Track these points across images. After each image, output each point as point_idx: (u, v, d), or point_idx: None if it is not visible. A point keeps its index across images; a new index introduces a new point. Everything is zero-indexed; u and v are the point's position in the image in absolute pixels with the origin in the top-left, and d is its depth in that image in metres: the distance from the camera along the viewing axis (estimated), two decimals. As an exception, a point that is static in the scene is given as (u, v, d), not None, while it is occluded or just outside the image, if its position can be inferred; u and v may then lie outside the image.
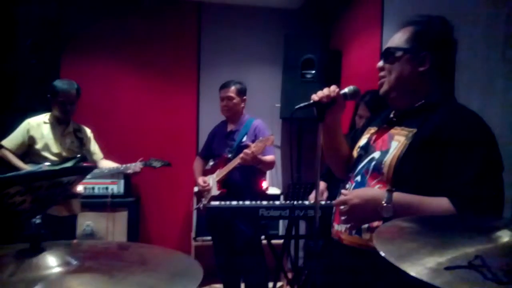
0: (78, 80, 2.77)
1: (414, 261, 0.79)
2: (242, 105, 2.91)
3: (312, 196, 2.69)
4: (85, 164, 2.61)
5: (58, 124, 2.72)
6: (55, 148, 2.67)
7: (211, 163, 3.00)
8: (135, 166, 2.72)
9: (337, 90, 1.37)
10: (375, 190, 1.24)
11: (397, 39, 1.31)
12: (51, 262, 0.74)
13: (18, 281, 0.68)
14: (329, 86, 1.39)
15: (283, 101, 3.79)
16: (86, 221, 3.25)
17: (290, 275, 3.00)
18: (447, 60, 1.31)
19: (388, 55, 1.31)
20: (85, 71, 3.70)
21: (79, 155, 2.65)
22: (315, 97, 1.37)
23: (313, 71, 3.61)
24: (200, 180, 2.88)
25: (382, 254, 0.83)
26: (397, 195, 1.16)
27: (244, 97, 2.91)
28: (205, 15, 4.04)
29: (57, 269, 0.73)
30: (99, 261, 0.79)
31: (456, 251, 0.81)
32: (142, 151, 3.74)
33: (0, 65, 2.90)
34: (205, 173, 2.97)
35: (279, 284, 3.60)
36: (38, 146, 2.65)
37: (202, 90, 4.01)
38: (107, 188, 3.35)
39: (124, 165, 2.77)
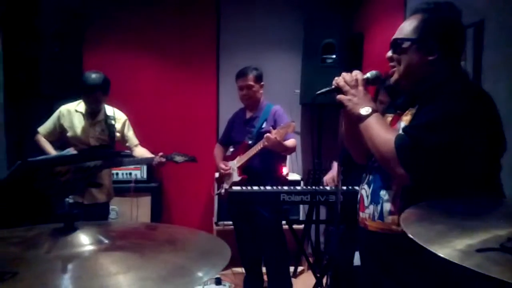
0: (99, 69, 2.78)
1: (443, 243, 0.78)
2: (261, 91, 2.89)
3: (326, 178, 2.68)
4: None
5: (88, 113, 2.72)
6: (83, 137, 2.69)
7: (231, 149, 3.02)
8: (160, 158, 2.71)
9: (360, 75, 1.35)
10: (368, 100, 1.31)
11: (404, 28, 1.30)
12: (84, 241, 0.76)
13: (54, 258, 0.71)
14: (350, 71, 1.37)
15: (303, 87, 3.75)
16: (111, 206, 3.33)
17: (311, 260, 3.02)
18: (456, 46, 1.30)
19: (396, 46, 1.31)
20: (106, 59, 3.74)
21: (103, 145, 2.65)
22: (336, 82, 1.35)
23: (334, 56, 3.55)
24: (222, 164, 2.91)
25: (411, 236, 0.82)
26: (374, 118, 1.25)
27: (262, 83, 2.89)
28: (224, 1, 4.01)
29: (90, 247, 0.76)
30: (130, 241, 0.81)
31: (487, 234, 0.79)
32: (163, 139, 3.81)
33: (24, 54, 2.96)
34: (226, 159, 2.99)
35: (300, 268, 3.63)
36: (69, 134, 2.69)
37: (222, 76, 4.01)
38: (130, 174, 3.41)
39: (151, 156, 2.76)
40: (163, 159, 2.72)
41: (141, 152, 2.86)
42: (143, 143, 2.96)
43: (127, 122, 2.89)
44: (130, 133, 2.88)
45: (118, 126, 2.81)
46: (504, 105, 1.22)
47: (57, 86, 3.09)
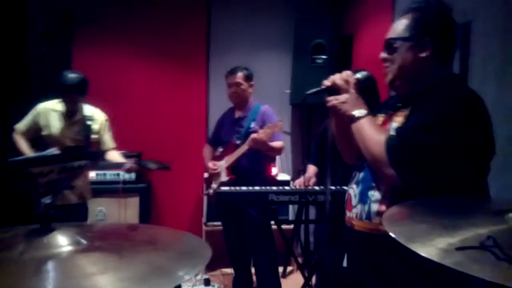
0: (89, 68, 2.74)
1: (424, 241, 0.78)
2: (250, 90, 2.89)
3: (297, 182, 2.68)
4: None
5: (66, 112, 2.62)
6: (59, 137, 2.59)
7: (220, 149, 3.01)
8: (130, 164, 2.65)
9: (351, 77, 1.35)
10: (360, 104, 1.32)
11: (397, 28, 1.32)
12: (61, 242, 0.75)
13: (28, 260, 0.70)
14: (340, 71, 1.37)
15: (293, 87, 3.76)
16: (99, 207, 3.30)
17: (300, 260, 3.02)
18: (448, 42, 1.31)
19: (389, 46, 1.32)
20: (95, 58, 3.71)
21: (78, 145, 2.54)
22: (326, 82, 1.35)
23: (324, 56, 3.57)
24: (210, 164, 2.89)
25: (392, 235, 0.82)
26: (367, 120, 1.27)
27: (251, 83, 2.89)
28: (214, 0, 4.00)
29: (67, 248, 0.74)
30: (109, 241, 0.80)
31: (468, 232, 0.80)
32: (153, 138, 3.79)
33: (11, 53, 2.91)
34: (214, 159, 2.97)
35: (289, 268, 3.63)
36: (43, 133, 2.60)
37: (212, 77, 3.99)
38: (118, 174, 3.38)
39: (121, 162, 2.69)
40: (134, 165, 2.65)
41: (114, 156, 2.77)
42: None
43: (107, 123, 2.78)
44: (107, 136, 2.78)
45: (95, 127, 2.70)
46: (491, 106, 1.23)
47: (45, 85, 3.05)
